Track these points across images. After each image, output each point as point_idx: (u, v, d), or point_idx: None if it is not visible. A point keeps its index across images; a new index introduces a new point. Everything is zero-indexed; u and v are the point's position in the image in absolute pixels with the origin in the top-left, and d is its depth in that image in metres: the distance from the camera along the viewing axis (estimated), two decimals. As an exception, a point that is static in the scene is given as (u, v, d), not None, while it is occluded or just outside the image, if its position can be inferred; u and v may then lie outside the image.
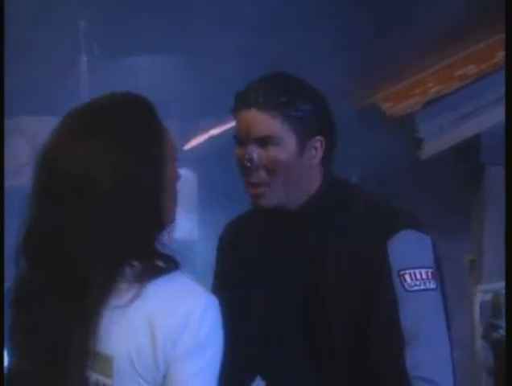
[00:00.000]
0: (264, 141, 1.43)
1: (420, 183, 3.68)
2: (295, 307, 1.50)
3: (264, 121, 1.42)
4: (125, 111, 1.15)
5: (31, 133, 5.02)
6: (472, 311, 3.22)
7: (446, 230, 3.60)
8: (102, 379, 1.10)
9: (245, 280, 1.54)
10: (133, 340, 1.08)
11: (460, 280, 3.20)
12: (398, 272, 1.39)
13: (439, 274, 1.44)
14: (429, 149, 3.04)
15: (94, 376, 1.10)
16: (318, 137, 1.46)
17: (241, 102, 1.45)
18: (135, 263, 1.11)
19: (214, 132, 5.95)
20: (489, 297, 3.20)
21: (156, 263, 1.11)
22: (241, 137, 1.46)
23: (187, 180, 6.81)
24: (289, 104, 1.43)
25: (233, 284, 1.56)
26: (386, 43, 3.91)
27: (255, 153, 1.43)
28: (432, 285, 1.40)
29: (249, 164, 1.43)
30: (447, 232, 3.56)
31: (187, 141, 6.80)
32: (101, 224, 1.08)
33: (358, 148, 3.62)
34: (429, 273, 1.41)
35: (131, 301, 1.09)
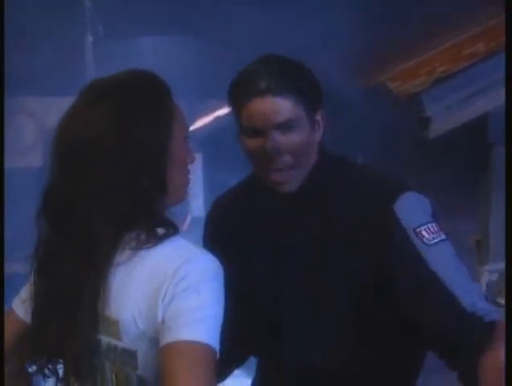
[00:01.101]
0: (285, 127, 1.43)
1: (426, 163, 3.67)
2: (295, 285, 1.50)
3: (282, 106, 1.42)
4: (135, 83, 1.22)
5: (36, 114, 5.02)
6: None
7: (452, 210, 3.60)
8: (113, 341, 1.18)
9: (232, 255, 1.52)
10: (135, 304, 1.13)
11: (466, 260, 3.20)
12: (415, 230, 1.41)
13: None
14: (436, 129, 3.03)
15: (106, 339, 1.18)
16: (320, 111, 1.49)
17: (251, 91, 1.43)
18: (139, 230, 1.16)
19: (220, 112, 5.95)
20: (495, 277, 3.20)
21: (158, 230, 1.17)
22: (257, 127, 1.44)
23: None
24: (296, 85, 1.43)
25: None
26: (394, 22, 3.88)
27: (279, 139, 1.43)
28: (444, 236, 1.44)
29: (273, 151, 1.42)
30: (453, 213, 3.55)
31: (193, 121, 6.80)
32: (107, 185, 1.15)
33: (365, 128, 3.61)
34: (437, 227, 1.44)
35: (134, 269, 1.15)
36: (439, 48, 3.35)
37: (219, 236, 1.60)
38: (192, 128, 6.77)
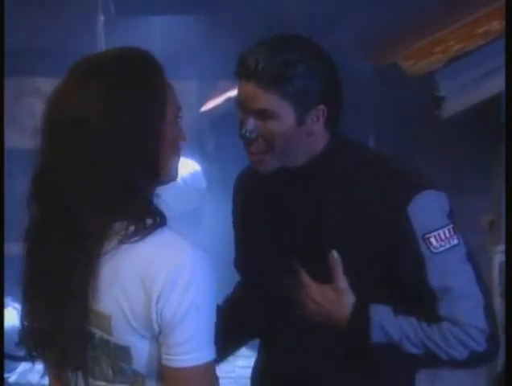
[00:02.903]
0: (261, 114, 1.43)
1: (440, 143, 3.65)
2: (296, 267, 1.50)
3: (261, 96, 1.42)
4: (126, 62, 1.17)
5: (48, 94, 5.02)
6: (492, 272, 3.21)
7: (465, 191, 3.58)
8: (105, 335, 1.16)
9: (252, 225, 1.59)
10: (126, 299, 1.12)
11: (479, 241, 3.19)
12: (423, 236, 1.41)
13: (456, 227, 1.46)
14: (450, 109, 2.99)
15: (99, 333, 1.16)
16: (320, 107, 1.45)
17: (241, 71, 1.45)
18: (127, 219, 1.13)
19: (232, 93, 5.92)
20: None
21: (146, 220, 1.14)
22: (241, 105, 1.47)
23: (204, 142, 6.81)
24: (287, 80, 1.41)
25: (243, 229, 1.64)
26: (407, 1, 3.84)
27: (253, 124, 1.44)
28: (455, 241, 1.43)
29: (247, 134, 1.44)
30: (466, 193, 3.53)
31: (204, 102, 6.78)
32: (95, 168, 1.12)
33: (378, 107, 3.58)
34: (451, 230, 1.43)
35: (124, 264, 1.12)
36: (454, 26, 3.31)
37: (237, 204, 1.67)
38: (203, 109, 6.74)
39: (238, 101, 1.48)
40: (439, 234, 1.41)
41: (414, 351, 1.40)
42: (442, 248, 1.41)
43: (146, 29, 6.32)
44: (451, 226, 1.43)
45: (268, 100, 1.42)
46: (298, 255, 1.49)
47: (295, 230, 1.51)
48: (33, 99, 5.31)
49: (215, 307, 1.14)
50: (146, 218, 1.14)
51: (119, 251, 1.13)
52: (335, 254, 1.42)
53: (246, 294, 1.67)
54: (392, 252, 1.42)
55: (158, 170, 1.16)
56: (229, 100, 5.96)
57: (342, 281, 1.43)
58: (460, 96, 3.00)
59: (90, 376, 1.19)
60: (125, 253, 1.13)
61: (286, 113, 1.43)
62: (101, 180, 1.12)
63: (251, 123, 1.44)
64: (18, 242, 1.22)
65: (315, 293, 1.44)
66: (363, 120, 3.87)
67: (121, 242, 1.13)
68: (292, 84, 1.41)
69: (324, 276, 1.46)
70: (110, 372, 1.18)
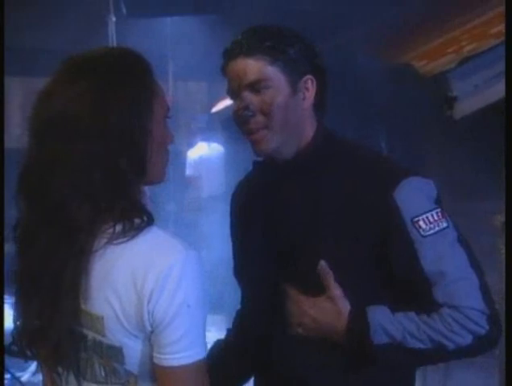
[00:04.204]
0: (256, 87, 1.44)
1: (452, 143, 3.63)
2: (291, 261, 1.49)
3: (252, 66, 1.44)
4: (112, 61, 1.18)
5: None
6: (503, 272, 3.19)
7: (478, 191, 3.56)
8: (98, 336, 1.16)
9: (247, 228, 1.58)
10: (117, 300, 1.12)
11: (491, 241, 3.17)
12: (412, 220, 1.40)
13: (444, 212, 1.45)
14: (463, 109, 2.98)
15: (91, 334, 1.16)
16: (308, 76, 1.47)
17: (227, 56, 1.47)
18: (115, 218, 1.13)
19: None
20: (521, 258, 3.16)
21: (134, 220, 1.14)
22: (233, 89, 1.47)
23: (214, 143, 6.82)
24: (274, 48, 1.44)
25: (238, 233, 1.62)
26: (420, 0, 3.82)
27: (249, 99, 1.44)
28: (444, 224, 1.42)
29: (245, 111, 1.44)
30: (479, 194, 3.52)
31: (214, 103, 6.79)
32: (83, 166, 1.12)
33: (390, 107, 3.57)
34: (439, 214, 1.42)
35: (114, 265, 1.13)
36: (467, 27, 3.29)
37: (234, 214, 1.66)
38: (213, 109, 6.71)
39: (229, 88, 1.48)
40: (427, 217, 1.40)
41: (420, 345, 1.38)
42: (431, 231, 1.40)
43: (158, 30, 6.33)
44: (439, 209, 1.42)
45: (259, 69, 1.43)
46: (295, 256, 1.47)
47: (291, 226, 1.49)
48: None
49: (206, 306, 1.15)
50: (134, 217, 1.15)
51: (110, 251, 1.13)
52: (323, 263, 1.41)
53: (239, 333, 1.65)
54: (384, 241, 1.41)
55: (145, 169, 1.17)
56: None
57: (335, 290, 1.41)
58: (473, 97, 2.99)
59: (82, 378, 1.20)
60: (117, 253, 1.13)
61: (278, 80, 1.44)
62: (89, 178, 1.13)
63: (247, 98, 1.44)
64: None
65: (309, 307, 1.42)
66: (373, 119, 3.86)
67: (110, 241, 1.13)
68: (279, 51, 1.44)
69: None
70: (103, 373, 1.18)
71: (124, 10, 5.05)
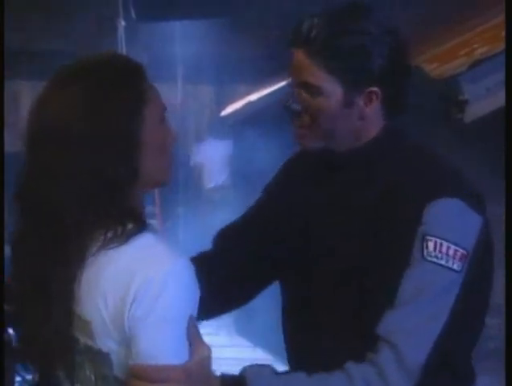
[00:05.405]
0: (306, 88, 1.36)
1: (463, 146, 3.61)
2: (315, 252, 1.41)
3: (307, 68, 1.34)
4: (102, 67, 1.19)
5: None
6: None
7: (488, 195, 3.53)
8: (89, 341, 1.16)
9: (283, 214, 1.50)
10: (104, 305, 1.12)
11: (501, 244, 3.14)
12: (424, 236, 1.25)
13: (477, 261, 1.28)
14: (474, 112, 2.96)
15: (82, 339, 1.17)
16: (373, 89, 1.33)
17: (294, 38, 1.37)
18: (108, 224, 1.14)
19: (251, 98, 5.92)
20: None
21: (127, 226, 1.14)
22: (291, 75, 1.40)
23: (223, 146, 6.82)
24: (338, 53, 1.32)
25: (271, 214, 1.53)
26: (431, 2, 3.81)
27: (300, 96, 1.37)
28: (456, 267, 1.24)
29: (294, 104, 1.37)
30: (489, 197, 3.48)
31: (224, 107, 6.79)
32: (74, 172, 1.14)
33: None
34: (458, 253, 1.25)
35: (104, 270, 1.13)
36: (478, 29, 3.28)
37: (277, 184, 1.57)
38: (223, 113, 6.70)
39: (290, 72, 1.39)
40: (441, 244, 1.24)
41: None
42: (435, 259, 1.24)
43: (167, 34, 6.34)
44: (462, 251, 1.25)
45: (314, 73, 1.33)
46: (321, 251, 1.39)
47: (320, 221, 1.41)
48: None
49: (190, 320, 1.11)
50: (127, 223, 1.15)
51: (101, 256, 1.14)
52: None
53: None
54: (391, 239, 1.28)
55: (136, 176, 1.16)
56: (248, 104, 5.95)
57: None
58: (484, 100, 2.97)
59: (76, 382, 1.20)
60: (108, 259, 1.13)
61: (332, 90, 1.33)
62: (80, 185, 1.14)
63: (294, 95, 1.36)
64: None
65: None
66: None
67: (102, 247, 1.14)
68: (343, 58, 1.31)
69: (343, 275, 1.34)
70: (93, 379, 1.18)
71: (133, 14, 5.06)
